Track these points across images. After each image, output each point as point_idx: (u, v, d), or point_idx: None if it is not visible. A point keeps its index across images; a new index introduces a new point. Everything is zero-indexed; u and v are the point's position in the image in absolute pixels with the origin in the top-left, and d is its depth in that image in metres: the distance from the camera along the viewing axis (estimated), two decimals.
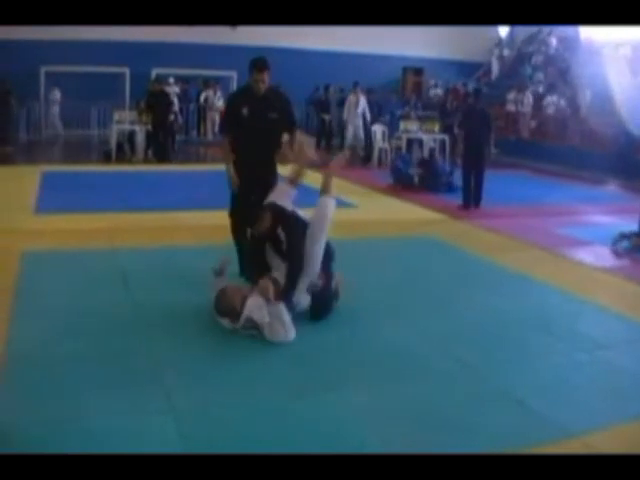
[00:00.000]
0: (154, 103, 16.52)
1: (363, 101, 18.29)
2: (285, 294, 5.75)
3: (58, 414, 4.28)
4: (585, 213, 11.95)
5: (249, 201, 6.78)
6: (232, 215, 7.09)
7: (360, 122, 18.23)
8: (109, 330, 5.69)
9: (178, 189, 12.57)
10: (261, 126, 6.72)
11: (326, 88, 21.19)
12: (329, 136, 20.32)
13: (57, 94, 21.18)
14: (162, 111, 16.57)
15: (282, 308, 5.62)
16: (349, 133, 18.43)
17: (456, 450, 4.00)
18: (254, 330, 5.59)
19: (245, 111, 6.70)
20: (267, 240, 6.01)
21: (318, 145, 18.27)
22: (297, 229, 5.91)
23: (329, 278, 6.13)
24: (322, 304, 6.04)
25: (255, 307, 5.59)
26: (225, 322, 5.69)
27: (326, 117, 20.31)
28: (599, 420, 4.53)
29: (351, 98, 18.45)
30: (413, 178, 13.66)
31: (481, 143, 11.71)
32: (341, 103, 19.67)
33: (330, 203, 6.16)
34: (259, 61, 6.66)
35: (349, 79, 20.03)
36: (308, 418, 4.40)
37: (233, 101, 7.07)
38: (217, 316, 5.75)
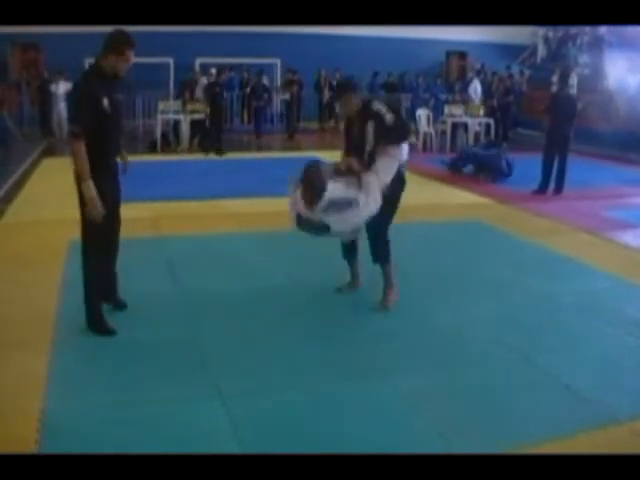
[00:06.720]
0: (211, 94, 16.52)
1: None
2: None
3: (107, 402, 4.35)
4: (632, 195, 11.79)
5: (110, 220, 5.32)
6: (99, 250, 5.38)
7: None
8: (155, 317, 5.78)
9: (222, 177, 12.64)
10: (119, 116, 5.41)
11: (375, 75, 21.54)
12: None
13: (64, 87, 17.55)
14: (215, 102, 16.56)
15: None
16: None
17: (504, 436, 4.01)
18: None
19: (106, 102, 5.14)
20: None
21: None
22: None
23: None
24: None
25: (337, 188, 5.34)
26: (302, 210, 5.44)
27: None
28: None
29: None
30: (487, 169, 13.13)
31: (566, 129, 11.55)
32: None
33: None
34: (130, 36, 5.41)
35: (394, 64, 19.94)
36: (359, 404, 4.41)
37: (91, 89, 5.15)
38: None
